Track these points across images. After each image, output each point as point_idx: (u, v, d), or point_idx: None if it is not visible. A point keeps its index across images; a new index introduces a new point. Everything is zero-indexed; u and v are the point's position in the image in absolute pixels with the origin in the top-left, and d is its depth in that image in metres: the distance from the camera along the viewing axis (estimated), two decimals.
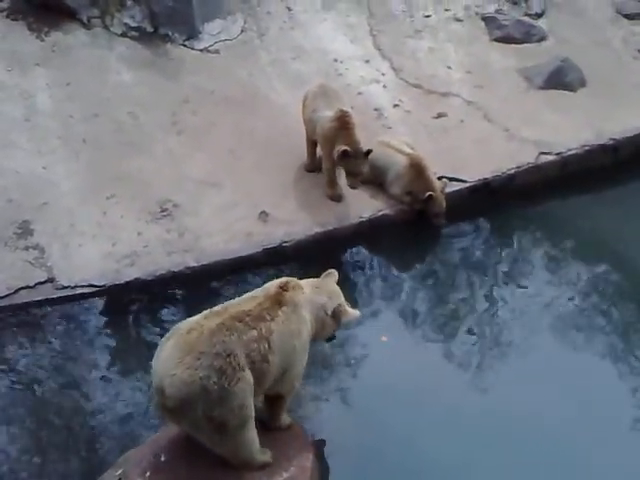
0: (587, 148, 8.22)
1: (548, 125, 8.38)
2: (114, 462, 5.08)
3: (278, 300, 4.90)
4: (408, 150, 7.61)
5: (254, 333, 4.71)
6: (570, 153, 8.14)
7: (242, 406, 4.64)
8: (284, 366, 4.91)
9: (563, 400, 5.90)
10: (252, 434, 4.80)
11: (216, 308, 4.83)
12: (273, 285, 5.01)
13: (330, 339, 5.48)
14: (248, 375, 4.65)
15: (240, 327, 4.69)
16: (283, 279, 5.06)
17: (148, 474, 4.79)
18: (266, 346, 4.74)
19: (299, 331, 4.95)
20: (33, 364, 5.96)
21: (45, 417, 5.60)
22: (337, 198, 7.38)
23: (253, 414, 4.74)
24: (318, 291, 5.19)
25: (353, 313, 5.28)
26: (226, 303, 4.89)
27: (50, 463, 5.31)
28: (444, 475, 5.36)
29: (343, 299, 5.28)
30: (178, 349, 4.59)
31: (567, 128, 8.34)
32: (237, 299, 4.94)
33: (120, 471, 4.89)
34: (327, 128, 7.19)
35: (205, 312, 4.80)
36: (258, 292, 4.99)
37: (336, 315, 5.20)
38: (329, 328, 5.23)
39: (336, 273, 5.39)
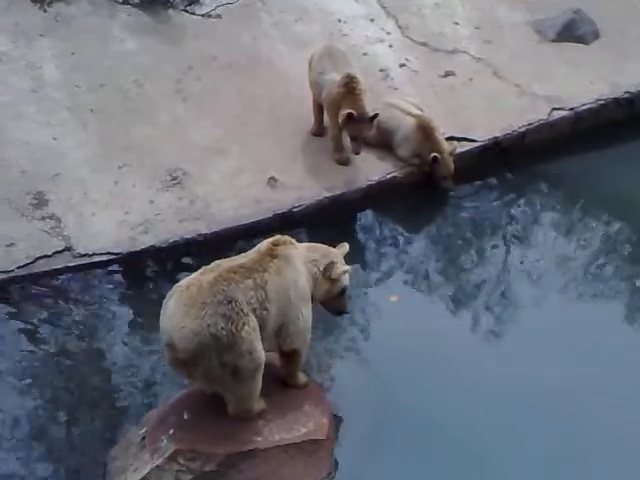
0: (601, 102, 8.48)
1: (560, 80, 8.63)
2: (138, 422, 5.63)
3: (270, 254, 5.41)
4: (416, 111, 7.95)
5: (250, 282, 5.21)
6: (583, 108, 8.41)
7: (252, 350, 5.15)
8: (283, 318, 5.39)
9: (577, 359, 6.25)
10: (260, 382, 5.32)
11: (209, 266, 5.33)
12: (265, 242, 5.53)
13: (340, 313, 5.89)
14: (253, 320, 5.16)
15: (236, 277, 5.20)
16: (275, 237, 5.57)
17: (172, 432, 5.30)
18: (263, 294, 5.23)
19: (294, 281, 5.41)
20: (54, 330, 6.52)
21: (68, 380, 6.15)
22: (345, 161, 7.76)
23: (264, 359, 5.25)
24: (313, 249, 5.68)
25: (343, 268, 5.63)
26: (218, 261, 5.40)
27: (74, 424, 5.84)
28: (457, 431, 5.75)
29: (339, 259, 5.66)
30: (181, 304, 5.11)
31: (580, 82, 8.60)
32: (229, 258, 5.47)
33: (144, 430, 5.41)
34: (334, 93, 7.53)
35: (199, 270, 5.32)
36: (250, 251, 5.52)
37: (327, 270, 5.58)
38: (323, 287, 5.60)
39: (347, 246, 5.84)
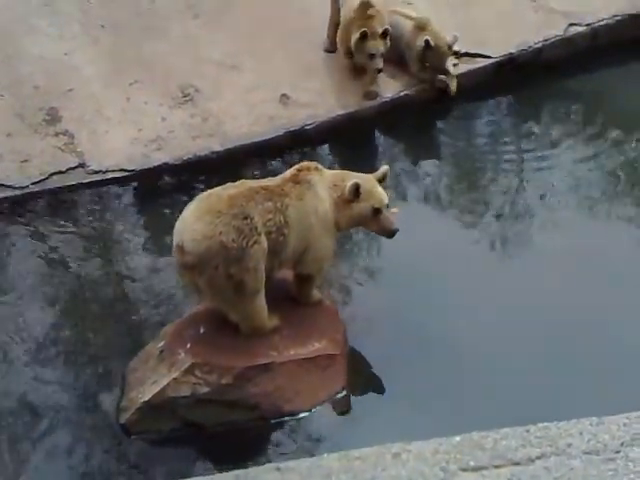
0: (618, 18, 8.30)
1: None
2: (156, 335, 5.62)
3: (293, 179, 5.36)
4: (415, 15, 7.86)
5: (270, 204, 5.19)
6: (601, 24, 8.23)
7: (257, 269, 5.15)
8: (304, 243, 5.35)
9: (591, 278, 6.16)
10: (264, 301, 5.31)
11: (235, 183, 5.33)
12: (291, 169, 5.48)
13: (386, 234, 5.52)
14: (263, 240, 5.13)
15: (257, 197, 5.19)
16: (303, 163, 5.51)
17: (189, 345, 5.32)
18: (281, 219, 5.20)
19: (315, 208, 5.34)
20: (69, 246, 6.50)
21: (85, 295, 6.15)
22: (374, 96, 7.62)
23: (264, 282, 5.24)
24: (340, 175, 5.54)
25: (351, 183, 5.35)
26: (244, 180, 5.42)
27: (93, 336, 5.85)
28: (470, 347, 5.70)
29: (368, 183, 5.41)
30: (198, 209, 5.14)
31: None
32: (256, 180, 5.47)
33: (162, 343, 5.41)
34: (347, 19, 7.48)
35: (224, 185, 5.32)
36: (278, 176, 5.49)
37: (342, 192, 5.39)
38: (346, 211, 5.41)
39: (386, 168, 5.61)
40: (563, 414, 4.62)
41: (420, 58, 7.69)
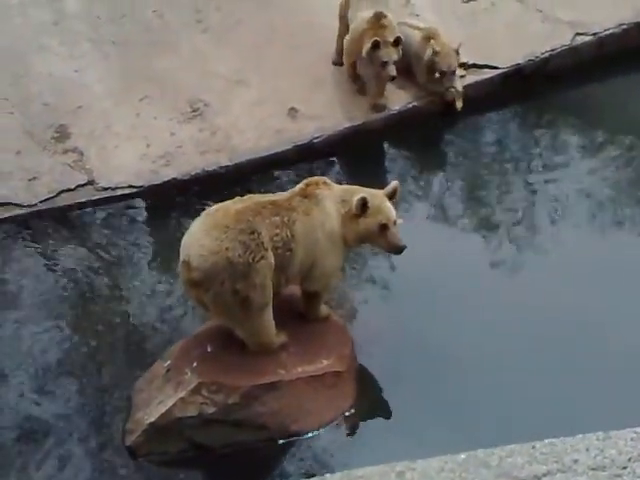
0: (625, 27, 8.21)
1: (584, 4, 8.34)
2: (162, 354, 5.55)
3: (301, 194, 5.31)
4: (423, 25, 7.82)
5: (277, 219, 5.13)
6: (607, 33, 8.15)
7: (264, 284, 5.09)
8: (310, 259, 5.27)
9: (600, 291, 6.04)
10: (271, 317, 5.24)
11: (242, 197, 5.27)
12: (300, 183, 5.41)
13: (393, 250, 5.38)
14: (270, 256, 5.07)
15: (264, 212, 5.13)
16: (311, 178, 5.44)
17: (195, 365, 5.26)
18: (288, 234, 5.14)
19: (322, 223, 5.27)
20: (77, 264, 6.46)
21: (91, 314, 6.11)
22: (381, 109, 7.57)
23: (272, 298, 5.18)
24: (348, 190, 5.43)
25: (358, 197, 5.23)
26: (251, 194, 5.37)
27: (99, 357, 5.80)
28: (477, 363, 5.63)
29: (376, 199, 5.28)
30: (205, 224, 5.09)
31: (604, 6, 8.30)
32: (263, 194, 5.41)
33: (168, 362, 5.36)
34: (359, 29, 7.40)
35: (232, 199, 5.25)
36: (286, 191, 5.43)
37: (355, 206, 5.24)
38: (353, 227, 5.28)
39: (395, 184, 5.45)
40: (569, 429, 4.55)
41: (429, 68, 7.63)
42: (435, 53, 7.53)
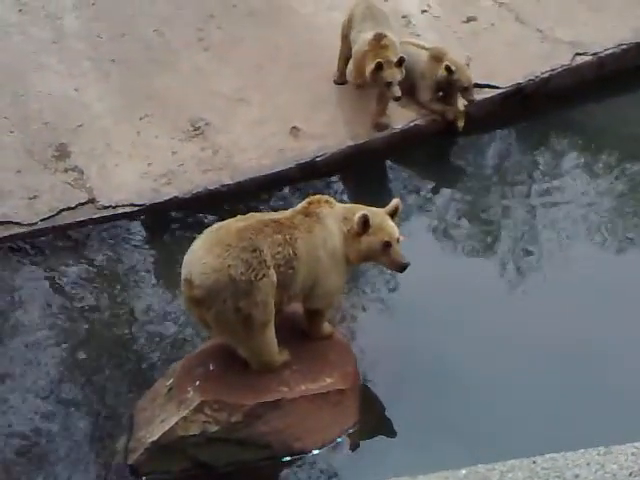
0: (624, 47, 8.22)
1: (583, 24, 8.36)
2: (164, 373, 5.52)
3: (303, 212, 5.29)
4: (427, 45, 7.81)
5: (279, 237, 5.10)
6: (607, 53, 8.16)
7: (266, 302, 5.05)
8: (312, 277, 5.23)
9: (600, 308, 6.05)
10: (273, 335, 5.20)
11: (244, 216, 5.26)
12: (303, 202, 5.39)
13: (397, 268, 5.33)
14: (272, 274, 5.04)
15: (266, 230, 5.10)
16: (314, 196, 5.41)
17: (198, 383, 5.21)
18: (291, 252, 5.11)
19: (324, 241, 5.24)
20: (78, 282, 6.41)
21: (93, 332, 6.06)
22: (384, 127, 7.55)
23: (274, 316, 5.13)
24: (350, 209, 5.41)
25: (358, 215, 5.21)
26: (254, 213, 5.35)
27: (100, 375, 5.76)
28: (481, 381, 5.61)
29: (378, 217, 5.25)
30: (207, 242, 5.06)
31: (603, 27, 8.32)
32: (265, 213, 5.40)
33: (170, 381, 5.31)
34: (361, 51, 7.36)
35: (234, 218, 5.23)
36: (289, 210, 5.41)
37: (356, 224, 5.22)
38: (355, 245, 5.26)
39: (396, 201, 5.42)
40: (570, 444, 4.53)
41: (438, 87, 7.64)
42: (451, 72, 7.51)
